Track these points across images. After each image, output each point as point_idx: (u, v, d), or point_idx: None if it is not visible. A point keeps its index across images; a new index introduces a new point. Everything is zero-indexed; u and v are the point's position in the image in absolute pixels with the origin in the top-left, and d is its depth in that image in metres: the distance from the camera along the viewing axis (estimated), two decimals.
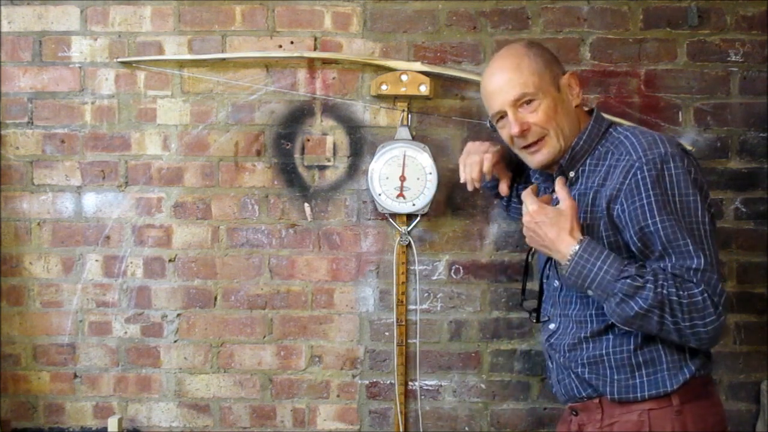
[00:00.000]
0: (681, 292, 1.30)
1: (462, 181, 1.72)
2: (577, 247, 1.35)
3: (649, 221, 1.33)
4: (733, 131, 2.02)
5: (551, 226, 1.38)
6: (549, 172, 1.55)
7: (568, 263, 1.37)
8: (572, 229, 1.37)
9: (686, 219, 1.33)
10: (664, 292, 1.30)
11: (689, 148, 1.98)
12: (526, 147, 1.48)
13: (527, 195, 1.44)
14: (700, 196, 1.34)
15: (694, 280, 1.31)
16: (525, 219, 1.43)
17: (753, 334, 2.03)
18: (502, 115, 1.48)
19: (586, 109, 1.54)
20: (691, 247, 1.31)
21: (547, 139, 1.45)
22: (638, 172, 1.34)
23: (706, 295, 1.30)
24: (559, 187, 1.42)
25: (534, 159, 1.49)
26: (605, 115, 1.57)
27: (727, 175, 2.02)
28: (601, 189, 1.41)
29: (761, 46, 2.01)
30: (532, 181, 1.62)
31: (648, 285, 1.30)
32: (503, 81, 1.46)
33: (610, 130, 1.48)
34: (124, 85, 2.05)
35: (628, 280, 1.31)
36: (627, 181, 1.36)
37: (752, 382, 2.04)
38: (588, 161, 1.47)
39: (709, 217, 1.35)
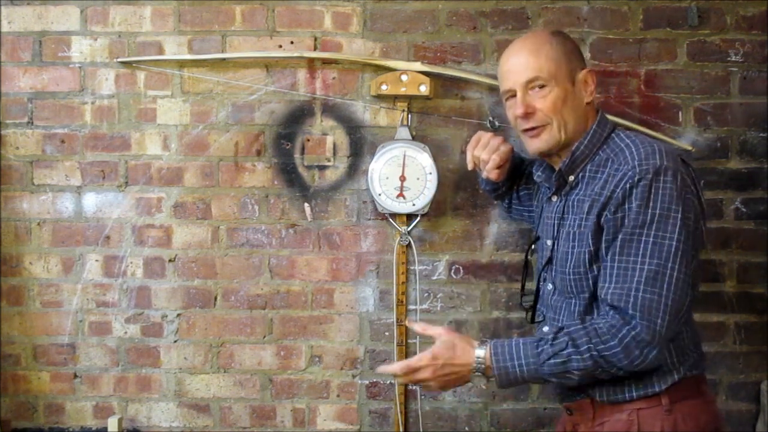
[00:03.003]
0: (587, 327, 1.36)
1: (470, 168, 1.71)
2: (482, 352, 1.39)
3: (620, 232, 1.35)
4: (733, 131, 2.02)
5: (444, 364, 1.41)
6: (551, 166, 1.55)
7: (492, 372, 1.40)
8: (465, 346, 1.41)
9: (657, 233, 1.32)
10: (579, 340, 1.35)
11: (689, 148, 1.99)
12: (526, 130, 1.48)
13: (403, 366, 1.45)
14: (681, 213, 1.33)
15: (615, 301, 1.33)
16: (434, 384, 1.44)
17: (753, 334, 2.03)
18: (512, 95, 1.49)
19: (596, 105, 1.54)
20: (637, 266, 1.32)
21: (548, 127, 1.46)
22: (629, 181, 1.35)
23: (610, 321, 1.33)
24: (420, 330, 1.49)
25: (532, 144, 1.49)
26: (610, 117, 1.56)
27: (727, 175, 2.02)
28: (599, 198, 1.41)
29: (761, 46, 2.01)
30: (534, 178, 1.62)
31: (567, 345, 1.35)
32: (520, 61, 1.46)
33: (613, 135, 1.48)
34: (124, 85, 2.05)
35: (551, 360, 1.35)
36: (619, 189, 1.36)
37: (752, 382, 2.04)
38: (588, 167, 1.46)
39: (685, 234, 1.33)
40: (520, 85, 1.46)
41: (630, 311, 1.32)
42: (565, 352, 1.35)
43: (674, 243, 1.32)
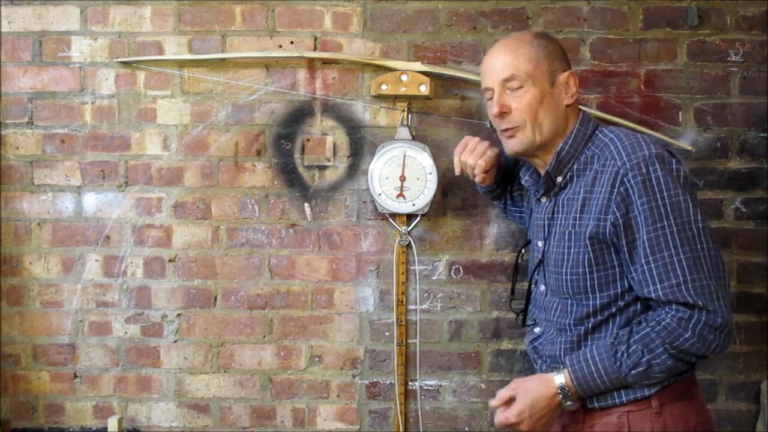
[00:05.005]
0: (655, 327, 1.35)
1: (457, 173, 1.73)
2: (562, 379, 1.41)
3: (636, 234, 1.35)
4: (733, 131, 2.02)
5: (531, 413, 1.42)
6: (538, 170, 1.55)
7: (579, 395, 1.41)
8: (540, 382, 1.43)
9: (677, 221, 1.33)
10: (652, 344, 1.35)
11: (689, 148, 1.99)
12: (503, 131, 1.50)
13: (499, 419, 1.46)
14: (686, 191, 1.35)
15: (670, 297, 1.33)
16: (540, 429, 1.44)
17: (753, 334, 2.03)
18: (492, 95, 1.50)
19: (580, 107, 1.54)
20: (674, 259, 1.32)
21: (522, 128, 1.47)
22: (625, 180, 1.35)
23: (677, 314, 1.33)
24: (499, 403, 1.46)
25: (508, 144, 1.51)
26: (589, 111, 1.56)
27: (727, 175, 2.02)
28: (590, 195, 1.41)
29: (761, 46, 2.01)
30: (522, 183, 1.62)
31: (642, 353, 1.35)
32: (499, 60, 1.48)
33: (596, 132, 1.48)
34: (124, 85, 2.05)
35: (632, 371, 1.36)
36: (616, 190, 1.36)
37: (752, 382, 2.04)
38: (575, 166, 1.47)
39: (699, 210, 1.35)
40: (497, 83, 1.47)
41: (691, 301, 1.32)
42: (643, 360, 1.35)
43: (695, 224, 1.34)
